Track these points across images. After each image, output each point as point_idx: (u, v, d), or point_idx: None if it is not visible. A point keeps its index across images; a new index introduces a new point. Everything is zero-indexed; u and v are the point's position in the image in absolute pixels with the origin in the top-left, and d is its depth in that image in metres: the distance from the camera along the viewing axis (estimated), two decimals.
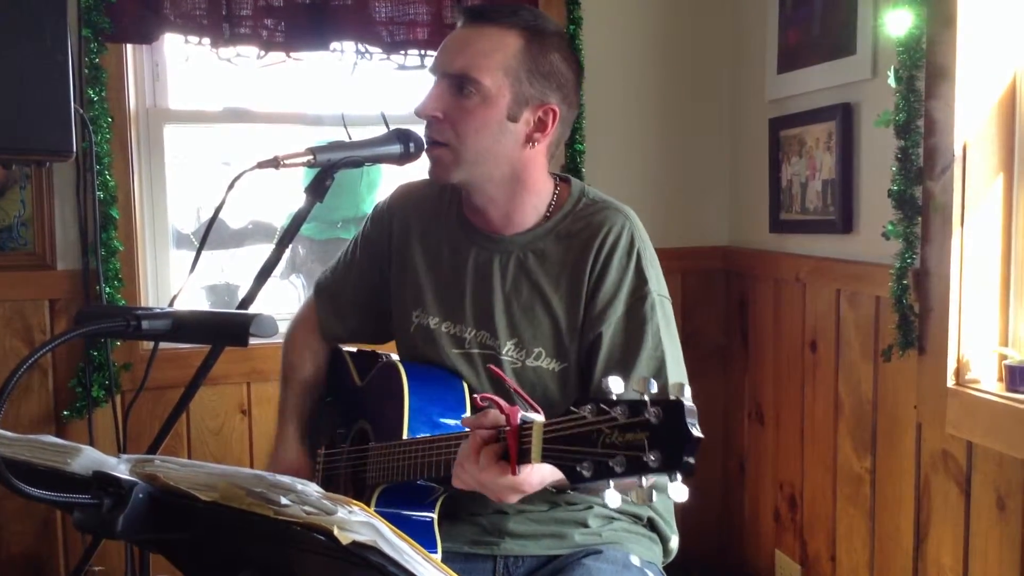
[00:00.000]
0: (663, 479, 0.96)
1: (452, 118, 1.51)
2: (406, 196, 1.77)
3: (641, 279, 1.55)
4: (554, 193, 1.63)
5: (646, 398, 0.96)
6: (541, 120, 1.55)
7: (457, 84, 1.50)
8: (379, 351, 1.80)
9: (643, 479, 0.96)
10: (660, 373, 1.51)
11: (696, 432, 0.94)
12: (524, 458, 1.13)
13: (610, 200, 1.64)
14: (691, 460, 0.94)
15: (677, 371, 1.55)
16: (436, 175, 1.57)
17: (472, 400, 1.55)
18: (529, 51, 1.51)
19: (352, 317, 1.81)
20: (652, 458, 0.94)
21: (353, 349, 1.86)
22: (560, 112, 1.56)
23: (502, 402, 1.19)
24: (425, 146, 1.55)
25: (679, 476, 0.95)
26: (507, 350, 1.57)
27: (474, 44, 1.51)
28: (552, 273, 1.58)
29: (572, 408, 1.05)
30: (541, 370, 1.57)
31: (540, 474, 1.21)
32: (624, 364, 1.50)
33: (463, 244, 1.64)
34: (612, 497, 0.99)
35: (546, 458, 1.09)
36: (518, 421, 1.15)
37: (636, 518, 1.66)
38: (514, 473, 1.17)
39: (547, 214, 1.61)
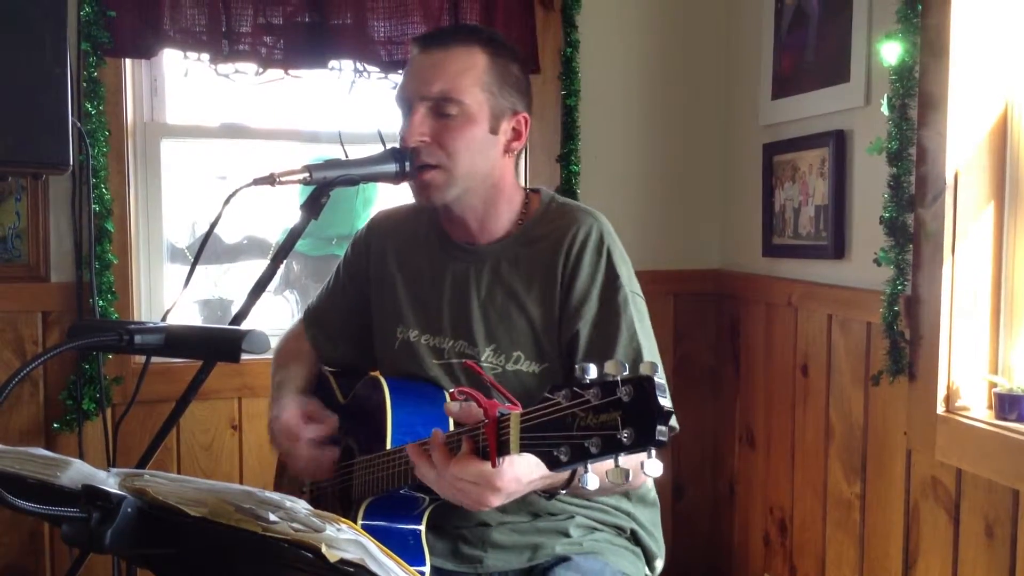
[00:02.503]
0: (637, 458, 0.97)
1: (440, 139, 1.54)
2: (382, 220, 1.82)
3: (612, 274, 1.58)
4: (524, 202, 1.67)
5: (618, 378, 0.97)
6: (515, 129, 1.61)
7: (438, 106, 1.54)
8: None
9: (619, 459, 0.97)
10: (636, 364, 1.51)
11: (666, 404, 0.95)
12: (504, 450, 1.14)
13: (579, 204, 1.69)
14: (663, 434, 0.95)
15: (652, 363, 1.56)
16: (428, 197, 1.58)
17: (451, 396, 1.56)
18: (495, 65, 1.57)
19: (341, 342, 1.83)
20: (626, 435, 0.95)
21: (336, 370, 1.86)
22: (529, 119, 1.62)
23: (480, 396, 1.20)
24: (415, 172, 1.56)
25: (653, 451, 0.96)
26: (486, 356, 1.59)
27: (446, 65, 1.54)
28: (524, 276, 1.61)
29: (547, 395, 1.06)
30: (522, 373, 1.58)
31: (517, 470, 1.22)
32: (601, 357, 1.51)
33: (440, 258, 1.68)
34: (591, 480, 1.00)
35: (524, 447, 1.10)
36: (496, 414, 1.16)
37: (619, 530, 1.67)
38: (494, 465, 1.17)
39: (519, 221, 1.65)
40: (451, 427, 1.53)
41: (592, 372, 1.01)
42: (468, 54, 1.55)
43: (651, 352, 1.57)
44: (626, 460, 0.98)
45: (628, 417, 0.96)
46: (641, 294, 1.63)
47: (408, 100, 1.57)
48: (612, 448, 0.97)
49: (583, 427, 1.00)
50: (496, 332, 1.60)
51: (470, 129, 1.54)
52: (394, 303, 1.70)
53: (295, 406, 1.68)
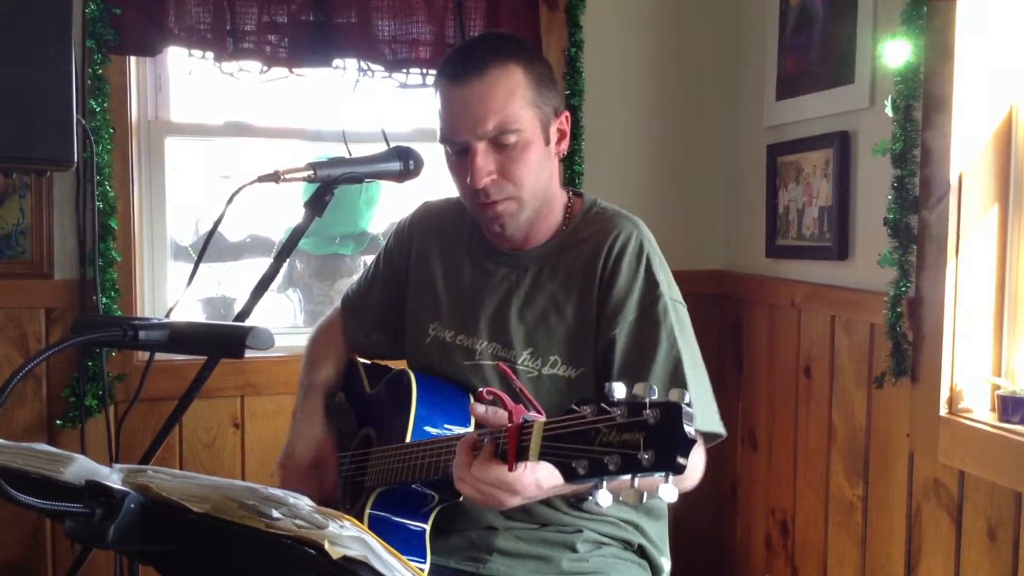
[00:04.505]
0: (654, 481, 0.97)
1: (505, 171, 1.51)
2: (427, 213, 1.79)
3: (652, 282, 1.56)
4: (567, 205, 1.66)
5: (646, 400, 0.97)
6: (560, 130, 1.60)
7: (496, 139, 1.50)
8: (392, 366, 1.81)
9: (635, 480, 0.97)
10: (677, 374, 1.50)
11: (691, 432, 0.95)
12: (523, 456, 1.14)
13: (620, 209, 1.67)
14: (683, 461, 0.95)
15: (694, 373, 1.54)
16: (503, 226, 1.57)
17: (478, 396, 1.55)
18: (531, 75, 1.53)
19: (376, 332, 1.83)
20: (646, 457, 0.95)
21: (367, 361, 1.87)
22: (569, 114, 1.61)
23: (506, 397, 1.19)
24: (481, 207, 1.54)
25: (671, 477, 0.96)
26: (523, 360, 1.58)
27: (491, 95, 1.49)
28: (564, 280, 1.60)
29: (574, 407, 1.06)
30: (557, 378, 1.57)
31: (537, 474, 1.22)
32: (640, 366, 1.51)
33: (482, 261, 1.67)
34: (604, 496, 1.00)
35: (544, 455, 1.10)
36: (520, 420, 1.16)
37: (627, 544, 1.66)
38: (511, 468, 1.17)
39: (563, 226, 1.64)
40: (472, 428, 1.53)
41: (621, 391, 1.01)
42: (506, 74, 1.50)
43: (692, 363, 1.54)
44: (641, 482, 0.98)
45: (651, 440, 0.96)
46: (683, 301, 1.61)
47: (463, 143, 1.51)
48: (630, 468, 0.96)
49: (604, 443, 1.00)
50: (534, 336, 1.59)
51: (531, 152, 1.52)
52: (432, 300, 1.70)
53: (311, 447, 1.72)
